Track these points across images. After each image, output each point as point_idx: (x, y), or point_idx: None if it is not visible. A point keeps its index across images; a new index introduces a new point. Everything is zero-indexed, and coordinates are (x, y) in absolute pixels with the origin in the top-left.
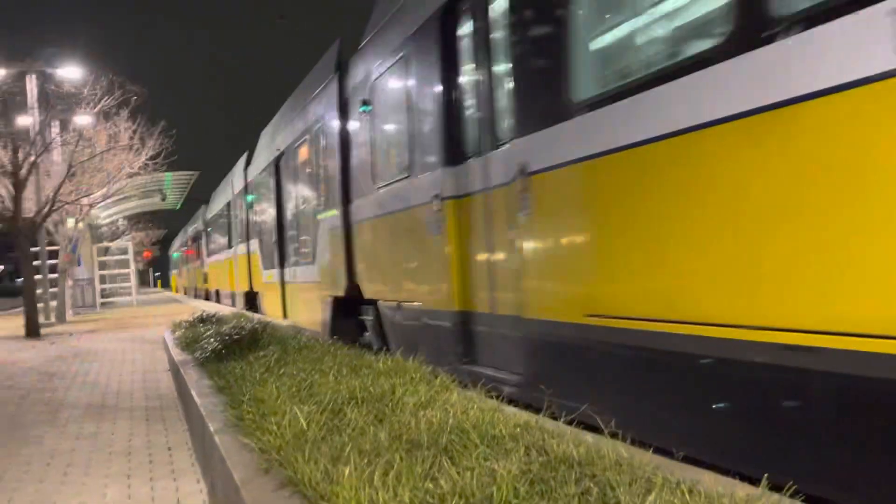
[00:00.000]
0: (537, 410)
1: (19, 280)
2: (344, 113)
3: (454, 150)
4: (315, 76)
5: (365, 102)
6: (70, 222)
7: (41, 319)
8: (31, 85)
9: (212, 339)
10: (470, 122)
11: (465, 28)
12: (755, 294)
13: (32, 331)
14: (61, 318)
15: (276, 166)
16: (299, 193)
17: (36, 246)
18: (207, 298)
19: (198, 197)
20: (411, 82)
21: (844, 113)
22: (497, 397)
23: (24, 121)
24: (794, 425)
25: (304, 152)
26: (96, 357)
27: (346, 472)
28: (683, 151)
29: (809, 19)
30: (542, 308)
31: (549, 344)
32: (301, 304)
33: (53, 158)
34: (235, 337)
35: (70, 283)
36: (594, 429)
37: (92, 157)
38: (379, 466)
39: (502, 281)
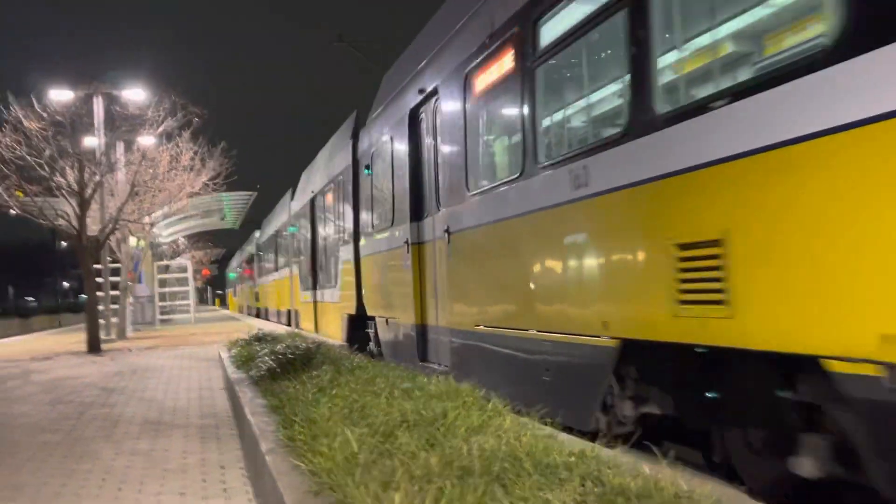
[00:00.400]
0: (592, 438)
1: (83, 296)
2: (355, 171)
3: (417, 210)
4: (338, 138)
5: (367, 167)
6: (132, 241)
7: (102, 335)
8: (98, 107)
9: (266, 358)
10: (426, 192)
11: (420, 128)
12: (532, 314)
13: (94, 346)
14: (122, 335)
15: (311, 205)
16: (327, 229)
17: (99, 263)
18: (258, 316)
19: (255, 218)
20: (393, 158)
21: (582, 215)
22: (548, 424)
23: (90, 141)
24: (546, 381)
25: (329, 197)
26: (154, 373)
27: (397, 498)
28: (510, 230)
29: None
30: (457, 322)
31: (460, 343)
32: (328, 319)
33: (117, 178)
34: (290, 356)
35: (131, 300)
36: (642, 451)
37: (154, 178)
38: (429, 493)
39: (440, 303)
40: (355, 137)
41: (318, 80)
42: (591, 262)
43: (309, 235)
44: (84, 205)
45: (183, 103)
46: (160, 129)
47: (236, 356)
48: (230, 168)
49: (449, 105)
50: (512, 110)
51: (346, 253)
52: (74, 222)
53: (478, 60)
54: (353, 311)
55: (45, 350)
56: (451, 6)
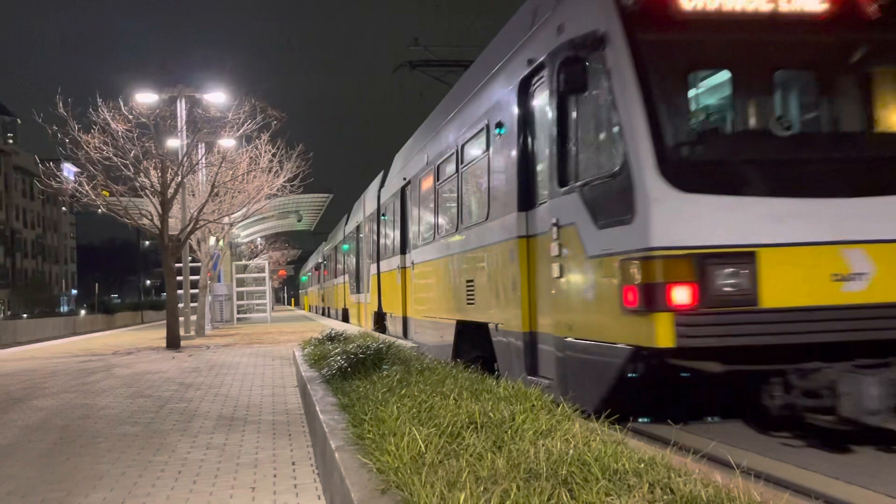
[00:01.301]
0: (664, 444)
1: (164, 294)
2: (381, 213)
3: (404, 245)
4: (371, 188)
5: (383, 214)
6: (212, 240)
7: (182, 332)
8: (181, 110)
9: (338, 358)
10: (410, 233)
11: (406, 197)
12: (440, 307)
13: (173, 343)
14: (200, 332)
15: (357, 230)
16: (360, 250)
17: (180, 262)
18: (323, 313)
19: (332, 218)
20: (398, 210)
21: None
22: (621, 430)
23: (173, 143)
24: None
25: (366, 227)
26: (230, 370)
27: (462, 497)
28: (429, 267)
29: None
30: (418, 313)
31: (420, 325)
32: (367, 316)
33: (198, 179)
34: (361, 356)
35: (209, 298)
36: (719, 463)
37: (234, 179)
38: (495, 495)
39: (413, 304)
40: (380, 187)
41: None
42: (444, 284)
43: (352, 253)
44: (166, 204)
45: (262, 106)
46: (240, 131)
47: (309, 355)
48: (307, 170)
49: (416, 191)
50: (430, 202)
51: (373, 270)
52: (157, 221)
53: (424, 172)
54: (375, 308)
55: (127, 345)
56: (416, 138)
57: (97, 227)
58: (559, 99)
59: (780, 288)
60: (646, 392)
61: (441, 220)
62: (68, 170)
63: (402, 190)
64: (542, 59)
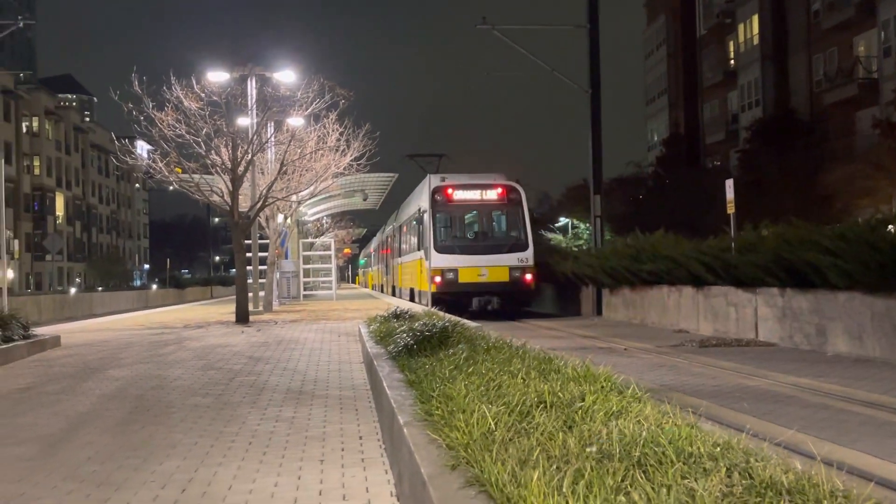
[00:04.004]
0: (738, 430)
1: (233, 270)
2: (397, 229)
3: (399, 253)
4: (393, 215)
5: (400, 228)
6: (280, 218)
7: (250, 307)
8: (251, 88)
9: (404, 335)
10: (403, 246)
11: (425, 220)
12: (409, 282)
13: (242, 317)
14: (268, 307)
15: (397, 228)
16: (402, 242)
17: (249, 239)
18: (381, 290)
19: (397, 198)
20: (395, 231)
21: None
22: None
23: (243, 121)
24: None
25: (403, 229)
26: (297, 345)
27: (535, 476)
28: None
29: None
30: (405, 283)
31: (401, 291)
32: (403, 296)
33: (267, 157)
34: (426, 334)
35: (277, 274)
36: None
37: (302, 157)
38: (568, 474)
39: (392, 281)
40: (396, 215)
41: (461, 61)
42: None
43: (396, 245)
44: (236, 181)
45: (331, 85)
46: (308, 110)
47: (375, 332)
48: (373, 149)
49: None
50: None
51: (394, 261)
52: (227, 198)
53: (411, 217)
54: (409, 286)
55: (198, 319)
56: (408, 203)
57: (169, 204)
58: (423, 219)
59: (465, 277)
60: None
61: (403, 246)
62: (142, 147)
63: (393, 228)
64: (422, 206)
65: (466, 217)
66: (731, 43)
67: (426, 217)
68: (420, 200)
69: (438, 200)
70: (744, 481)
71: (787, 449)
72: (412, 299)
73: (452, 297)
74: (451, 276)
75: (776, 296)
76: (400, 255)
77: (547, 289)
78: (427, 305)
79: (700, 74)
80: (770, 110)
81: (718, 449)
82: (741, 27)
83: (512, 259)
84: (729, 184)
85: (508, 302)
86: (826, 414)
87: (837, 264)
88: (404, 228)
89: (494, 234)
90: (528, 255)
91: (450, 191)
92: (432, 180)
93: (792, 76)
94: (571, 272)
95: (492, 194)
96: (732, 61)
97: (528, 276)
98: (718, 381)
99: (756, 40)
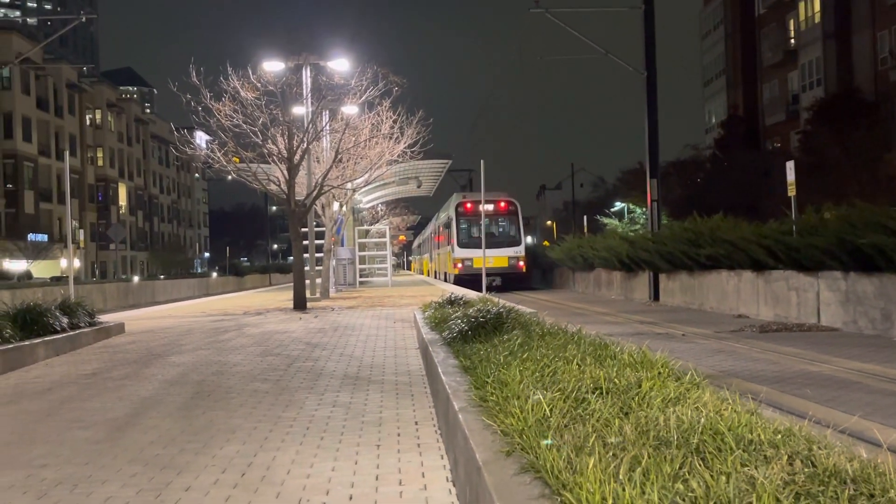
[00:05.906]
0: (800, 417)
1: (290, 258)
2: (435, 230)
3: (437, 247)
4: (441, 211)
5: (440, 226)
6: (335, 206)
7: (307, 294)
8: (306, 77)
9: (459, 321)
10: (427, 245)
11: (456, 222)
12: (440, 267)
13: (299, 304)
14: (325, 294)
15: (435, 228)
16: (437, 238)
17: (305, 227)
18: (430, 275)
19: (451, 187)
20: (440, 227)
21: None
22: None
23: (299, 110)
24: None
25: (439, 229)
26: (353, 331)
27: (591, 462)
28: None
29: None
30: (437, 269)
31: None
32: (439, 277)
33: (322, 146)
34: (481, 320)
35: (333, 262)
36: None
37: (356, 145)
38: (625, 461)
39: (435, 267)
40: (436, 216)
41: (514, 46)
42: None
43: (433, 238)
44: (292, 170)
45: (384, 72)
46: (363, 98)
47: (430, 318)
48: (426, 136)
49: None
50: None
51: (437, 252)
52: (284, 187)
53: (444, 222)
54: (438, 269)
55: (256, 306)
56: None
57: (227, 193)
58: (450, 224)
59: (477, 264)
60: (462, 282)
61: (438, 240)
62: (200, 137)
63: (433, 227)
64: (450, 214)
65: (479, 223)
66: (792, 21)
67: (452, 223)
68: (448, 211)
69: (459, 211)
70: (806, 469)
71: (852, 436)
72: (445, 279)
73: (469, 277)
74: (468, 263)
75: (839, 279)
76: (438, 248)
77: (537, 274)
78: (450, 283)
79: (759, 54)
80: (832, 90)
81: (779, 436)
82: (801, 5)
83: (510, 252)
84: (789, 165)
85: (507, 280)
86: (892, 400)
87: None
88: (440, 228)
89: (498, 234)
90: (520, 250)
91: (468, 205)
92: (456, 197)
93: (855, 54)
94: (627, 256)
95: (497, 207)
96: (793, 40)
97: (521, 264)
98: (779, 366)
99: (818, 18)
